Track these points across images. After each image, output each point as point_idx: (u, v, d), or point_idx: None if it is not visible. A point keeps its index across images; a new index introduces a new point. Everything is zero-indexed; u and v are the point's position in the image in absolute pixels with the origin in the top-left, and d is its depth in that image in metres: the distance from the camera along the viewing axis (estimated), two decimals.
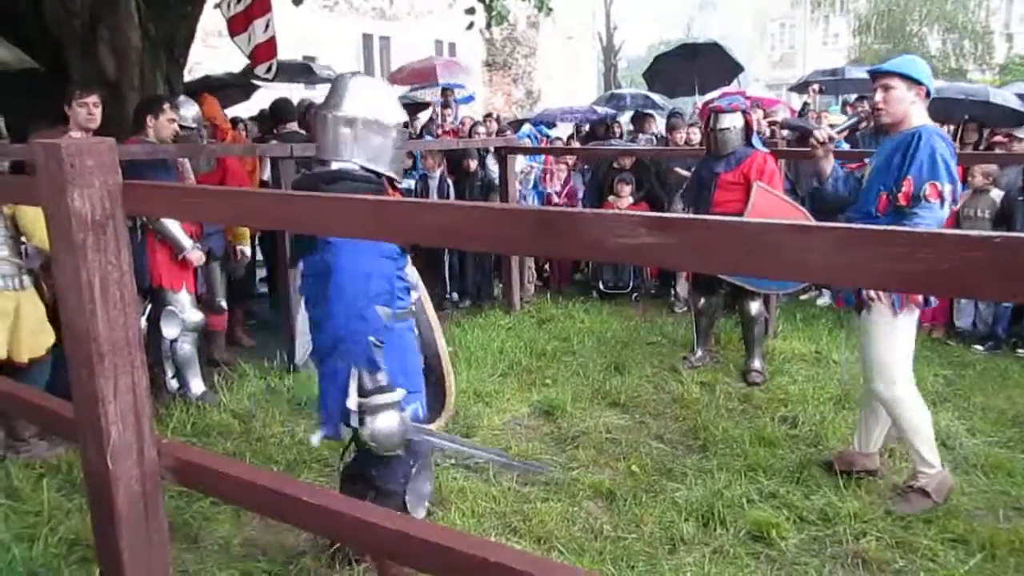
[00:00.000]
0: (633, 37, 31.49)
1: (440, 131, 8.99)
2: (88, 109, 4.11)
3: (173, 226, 4.23)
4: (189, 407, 4.40)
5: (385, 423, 2.36)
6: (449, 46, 19.19)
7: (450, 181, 6.89)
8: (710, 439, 4.03)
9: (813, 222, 1.02)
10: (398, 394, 2.37)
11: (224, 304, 5.39)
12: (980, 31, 23.72)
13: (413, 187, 6.86)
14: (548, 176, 7.76)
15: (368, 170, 2.44)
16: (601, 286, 7.23)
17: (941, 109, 6.91)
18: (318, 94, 8.82)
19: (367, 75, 2.57)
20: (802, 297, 6.97)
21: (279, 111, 6.35)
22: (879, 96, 3.30)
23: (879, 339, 3.33)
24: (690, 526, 3.18)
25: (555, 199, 7.64)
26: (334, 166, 2.42)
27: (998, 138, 6.45)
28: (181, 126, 4.81)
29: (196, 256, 4.37)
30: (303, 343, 2.63)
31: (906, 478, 3.44)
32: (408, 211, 1.30)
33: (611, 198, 7.25)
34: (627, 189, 7.15)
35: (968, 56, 23.90)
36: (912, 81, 3.24)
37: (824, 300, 6.90)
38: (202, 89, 6.24)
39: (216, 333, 5.45)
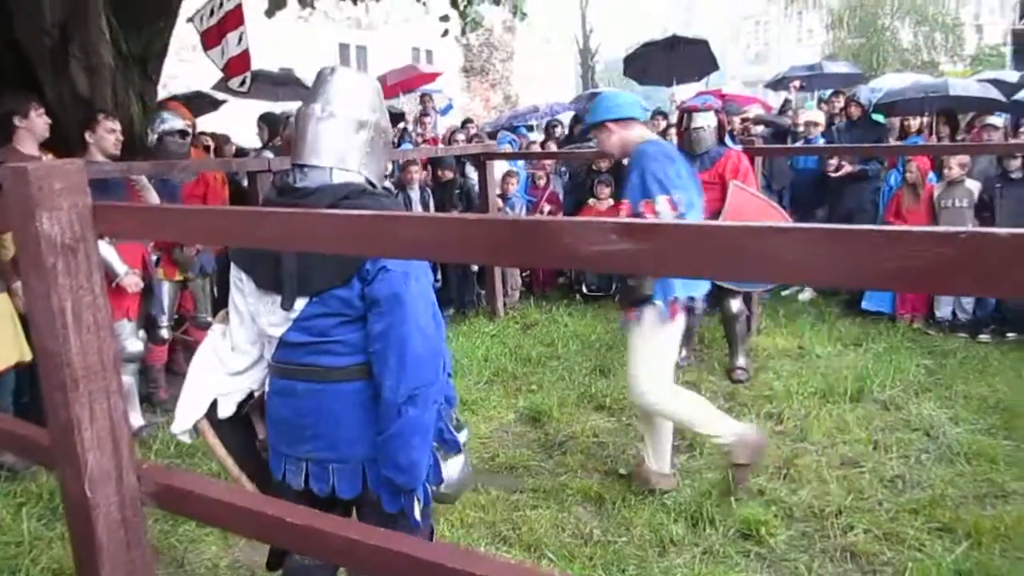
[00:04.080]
0: (610, 39, 31.58)
1: (421, 140, 8.97)
2: (44, 120, 4.04)
3: (107, 251, 4.01)
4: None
5: (457, 467, 2.10)
6: (426, 53, 19.20)
7: (430, 191, 6.88)
8: (696, 438, 4.03)
9: (784, 223, 1.02)
10: (465, 432, 2.14)
11: (210, 318, 5.34)
12: (951, 23, 24.01)
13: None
14: (532, 181, 7.75)
15: (371, 183, 2.04)
16: (584, 289, 7.24)
17: (905, 107, 7.05)
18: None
19: (355, 70, 2.14)
20: (784, 293, 7.02)
21: (273, 123, 6.37)
22: (599, 144, 3.62)
23: (649, 347, 3.38)
24: (679, 527, 3.19)
25: (543, 206, 7.61)
26: (337, 178, 1.97)
27: (974, 130, 6.54)
28: (168, 134, 4.78)
29: (131, 282, 4.18)
30: (194, 407, 2.10)
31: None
32: (383, 224, 1.29)
33: (591, 201, 7.26)
34: (607, 191, 7.16)
35: (940, 48, 24.19)
36: (611, 120, 3.39)
37: (806, 295, 6.95)
38: (169, 99, 6.21)
39: None
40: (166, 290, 4.85)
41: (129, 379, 4.38)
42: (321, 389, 1.97)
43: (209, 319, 5.34)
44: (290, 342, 1.97)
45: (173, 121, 4.82)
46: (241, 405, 2.18)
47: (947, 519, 3.11)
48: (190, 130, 5.01)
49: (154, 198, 4.50)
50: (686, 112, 5.05)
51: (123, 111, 5.06)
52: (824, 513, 3.23)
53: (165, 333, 4.91)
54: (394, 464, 1.90)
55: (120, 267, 4.14)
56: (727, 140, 5.04)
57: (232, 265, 2.09)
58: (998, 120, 6.51)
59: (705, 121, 4.91)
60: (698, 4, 39.39)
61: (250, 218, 1.41)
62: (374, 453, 1.95)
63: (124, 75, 5.25)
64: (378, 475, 1.95)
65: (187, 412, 2.09)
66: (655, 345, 3.37)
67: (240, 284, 2.06)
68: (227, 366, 2.12)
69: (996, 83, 8.27)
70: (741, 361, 5.00)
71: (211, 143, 6.72)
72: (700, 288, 3.41)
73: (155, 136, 4.78)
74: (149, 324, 4.79)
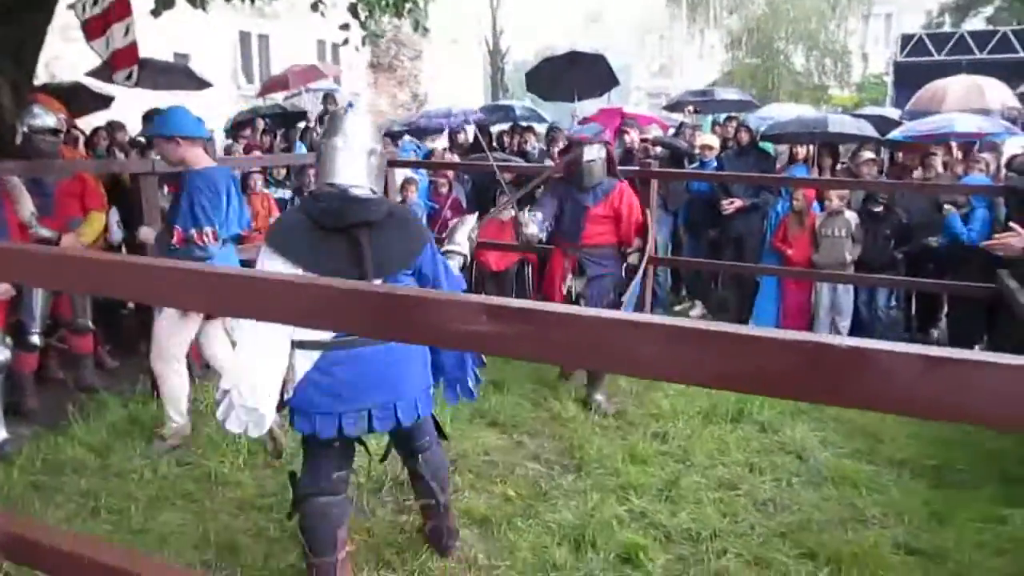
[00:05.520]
0: (520, 42, 31.69)
1: None
2: None
3: None
4: (40, 442, 4.11)
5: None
6: (332, 47, 18.75)
7: None
8: (585, 458, 4.10)
9: (644, 318, 1.05)
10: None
11: (90, 324, 5.05)
12: (840, 51, 25.30)
13: (289, 198, 6.67)
14: (435, 188, 7.69)
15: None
16: None
17: (792, 139, 7.41)
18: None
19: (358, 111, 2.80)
20: (676, 308, 7.24)
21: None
22: (162, 154, 4.14)
23: (168, 330, 4.10)
24: (563, 551, 3.23)
25: (445, 213, 7.55)
26: (374, 192, 2.76)
27: (857, 159, 6.89)
28: (38, 132, 4.49)
29: (1, 290, 4.02)
30: (271, 390, 2.56)
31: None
32: (250, 287, 1.25)
33: (492, 211, 7.27)
34: None
35: (829, 73, 25.46)
36: (181, 136, 3.93)
37: (696, 311, 7.19)
38: (38, 91, 5.83)
39: (83, 356, 5.11)
40: (39, 296, 4.57)
41: None
42: (386, 349, 2.58)
43: (89, 324, 5.06)
44: None
45: (45, 117, 4.53)
46: None
47: (812, 544, 3.28)
48: (63, 127, 4.72)
49: (26, 200, 4.23)
50: (576, 143, 4.90)
51: None
52: (700, 537, 3.35)
53: (36, 339, 4.62)
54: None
55: None
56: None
57: (283, 261, 2.53)
58: (874, 155, 6.91)
59: (596, 154, 4.78)
60: (606, 15, 40.16)
61: (107, 268, 1.33)
62: (424, 384, 2.79)
63: None
64: (427, 401, 2.84)
65: (268, 397, 2.51)
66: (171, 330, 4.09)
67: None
68: (295, 335, 2.53)
69: (879, 119, 8.77)
70: (597, 396, 4.84)
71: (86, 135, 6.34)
72: None
73: (23, 130, 4.48)
74: (19, 331, 4.50)
